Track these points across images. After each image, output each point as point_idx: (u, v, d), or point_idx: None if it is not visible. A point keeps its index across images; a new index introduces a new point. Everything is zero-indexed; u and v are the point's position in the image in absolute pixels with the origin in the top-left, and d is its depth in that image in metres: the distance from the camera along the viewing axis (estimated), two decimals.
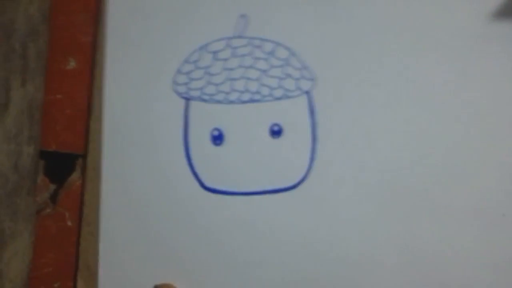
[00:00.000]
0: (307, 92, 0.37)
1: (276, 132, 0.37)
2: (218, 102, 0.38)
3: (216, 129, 0.38)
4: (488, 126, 0.37)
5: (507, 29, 0.37)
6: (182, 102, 0.38)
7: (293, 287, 0.37)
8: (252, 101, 0.38)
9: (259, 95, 0.37)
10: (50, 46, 0.40)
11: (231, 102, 0.38)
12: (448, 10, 0.38)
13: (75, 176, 0.39)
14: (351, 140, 0.37)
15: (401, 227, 0.36)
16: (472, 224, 0.36)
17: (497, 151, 0.36)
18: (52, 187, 0.39)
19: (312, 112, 0.37)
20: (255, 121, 0.38)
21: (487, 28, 0.37)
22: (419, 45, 0.38)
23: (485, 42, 0.37)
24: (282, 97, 0.37)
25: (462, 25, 0.37)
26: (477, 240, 0.36)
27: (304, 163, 0.37)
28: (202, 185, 0.37)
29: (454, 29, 0.38)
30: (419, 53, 0.38)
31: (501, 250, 0.36)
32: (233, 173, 0.37)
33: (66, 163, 0.39)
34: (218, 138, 0.38)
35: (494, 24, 0.37)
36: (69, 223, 0.39)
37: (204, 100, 0.38)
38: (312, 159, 0.37)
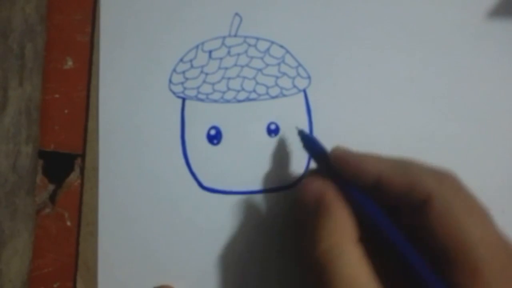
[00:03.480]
0: (303, 91, 0.37)
1: (273, 131, 0.37)
2: (215, 101, 0.38)
3: (213, 128, 0.38)
4: (486, 123, 0.37)
5: (503, 28, 0.37)
6: (178, 102, 0.38)
7: (292, 287, 0.37)
8: (248, 100, 0.37)
9: (255, 94, 0.37)
10: (47, 46, 0.40)
11: (228, 101, 0.37)
12: (444, 8, 0.38)
13: (74, 176, 0.39)
14: (347, 138, 0.37)
15: None
16: None
17: (496, 148, 0.36)
18: (51, 187, 0.39)
19: (308, 110, 0.37)
20: (252, 120, 0.37)
21: (483, 26, 0.37)
22: (415, 43, 0.38)
23: (481, 40, 0.37)
24: (279, 95, 0.37)
25: (458, 23, 0.38)
26: None
27: (302, 161, 0.37)
28: (200, 184, 0.37)
29: (451, 27, 0.38)
30: (415, 51, 0.38)
31: None
32: (231, 173, 0.37)
33: (65, 163, 0.39)
34: (215, 138, 0.37)
35: (490, 22, 0.37)
36: (69, 223, 0.39)
37: (201, 100, 0.38)
38: (310, 157, 0.37)
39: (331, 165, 0.29)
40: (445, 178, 0.26)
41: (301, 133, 0.34)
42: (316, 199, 0.28)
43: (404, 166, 0.27)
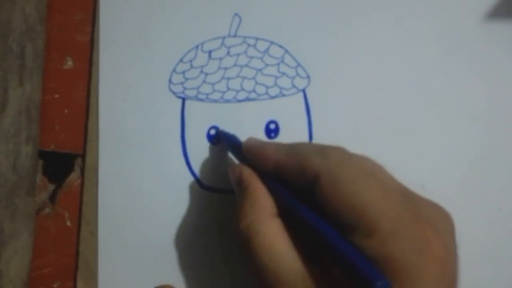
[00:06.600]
0: (302, 90, 0.37)
1: (273, 131, 0.37)
2: (214, 101, 0.38)
3: (213, 128, 0.38)
4: (485, 122, 0.37)
5: (503, 28, 0.37)
6: (178, 102, 0.38)
7: None
8: (248, 99, 0.37)
9: (255, 93, 0.37)
10: (47, 46, 0.40)
11: (227, 101, 0.38)
12: (444, 8, 0.38)
13: (74, 176, 0.39)
14: (346, 138, 0.37)
15: None
16: (469, 218, 0.36)
17: (495, 148, 0.37)
18: (51, 187, 0.39)
19: (308, 110, 0.37)
20: (251, 120, 0.37)
21: (483, 26, 0.37)
22: (415, 43, 0.38)
23: (481, 40, 0.37)
24: (278, 95, 0.37)
25: (459, 23, 0.38)
26: (474, 234, 0.36)
27: None
28: (200, 184, 0.37)
29: (451, 27, 0.38)
30: (415, 51, 0.38)
31: (498, 243, 0.36)
32: None
33: (65, 163, 0.39)
34: (215, 137, 0.38)
35: (490, 23, 0.37)
36: (69, 223, 0.39)
37: (200, 100, 0.38)
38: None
39: (243, 155, 0.32)
40: (329, 154, 0.27)
41: (219, 132, 0.37)
42: (237, 181, 0.31)
43: (294, 149, 0.29)
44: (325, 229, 0.25)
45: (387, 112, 0.37)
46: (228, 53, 0.38)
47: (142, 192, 0.38)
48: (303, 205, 0.27)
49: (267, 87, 0.37)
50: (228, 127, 0.37)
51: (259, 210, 0.28)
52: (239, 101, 0.38)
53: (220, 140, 0.37)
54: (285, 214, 0.28)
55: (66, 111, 0.40)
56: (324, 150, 0.27)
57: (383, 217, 0.23)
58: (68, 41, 0.40)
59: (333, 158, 0.26)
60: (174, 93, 0.38)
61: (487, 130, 0.37)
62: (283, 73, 0.37)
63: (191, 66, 0.38)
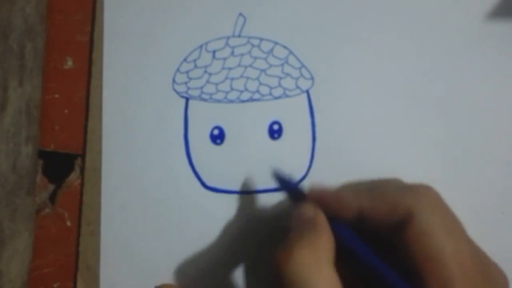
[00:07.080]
0: (306, 91, 0.38)
1: (276, 131, 0.37)
2: (218, 101, 0.38)
3: (216, 128, 0.38)
4: (486, 124, 0.37)
5: (503, 29, 0.38)
6: (182, 102, 0.38)
7: None
8: (251, 100, 0.38)
9: (259, 94, 0.38)
10: (47, 46, 0.40)
11: (231, 101, 0.38)
12: (445, 10, 0.38)
13: (74, 176, 0.39)
14: (349, 139, 0.37)
15: None
16: (471, 222, 0.36)
17: (496, 149, 0.37)
18: (51, 187, 0.39)
19: (311, 111, 0.37)
20: (255, 120, 0.37)
21: (483, 28, 0.38)
22: (417, 45, 0.38)
23: (481, 41, 0.38)
24: (282, 96, 0.38)
25: (459, 24, 0.38)
26: (476, 237, 0.36)
27: (304, 162, 0.37)
28: (203, 184, 0.37)
29: (453, 29, 0.38)
30: (418, 53, 0.38)
31: (500, 247, 0.36)
32: (234, 172, 0.37)
33: (65, 163, 0.39)
34: (218, 138, 0.38)
35: (490, 24, 0.38)
36: (69, 223, 0.38)
37: (204, 100, 0.38)
38: (312, 158, 0.37)
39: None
40: (423, 195, 0.26)
41: (277, 176, 0.33)
42: (309, 217, 0.28)
43: (381, 191, 0.27)
44: (392, 276, 0.25)
45: (390, 113, 0.37)
46: (232, 53, 0.38)
47: (144, 192, 0.38)
48: (373, 253, 0.26)
49: (270, 88, 0.38)
50: (231, 128, 0.38)
51: (323, 252, 0.26)
52: (243, 101, 0.38)
53: (223, 140, 0.38)
54: (339, 260, 0.27)
55: (66, 111, 0.39)
56: (413, 188, 0.26)
57: (462, 281, 0.24)
58: (68, 41, 0.40)
59: (426, 198, 0.26)
60: (177, 92, 0.38)
61: (489, 132, 0.37)
62: (287, 74, 0.38)
63: (195, 66, 0.38)
